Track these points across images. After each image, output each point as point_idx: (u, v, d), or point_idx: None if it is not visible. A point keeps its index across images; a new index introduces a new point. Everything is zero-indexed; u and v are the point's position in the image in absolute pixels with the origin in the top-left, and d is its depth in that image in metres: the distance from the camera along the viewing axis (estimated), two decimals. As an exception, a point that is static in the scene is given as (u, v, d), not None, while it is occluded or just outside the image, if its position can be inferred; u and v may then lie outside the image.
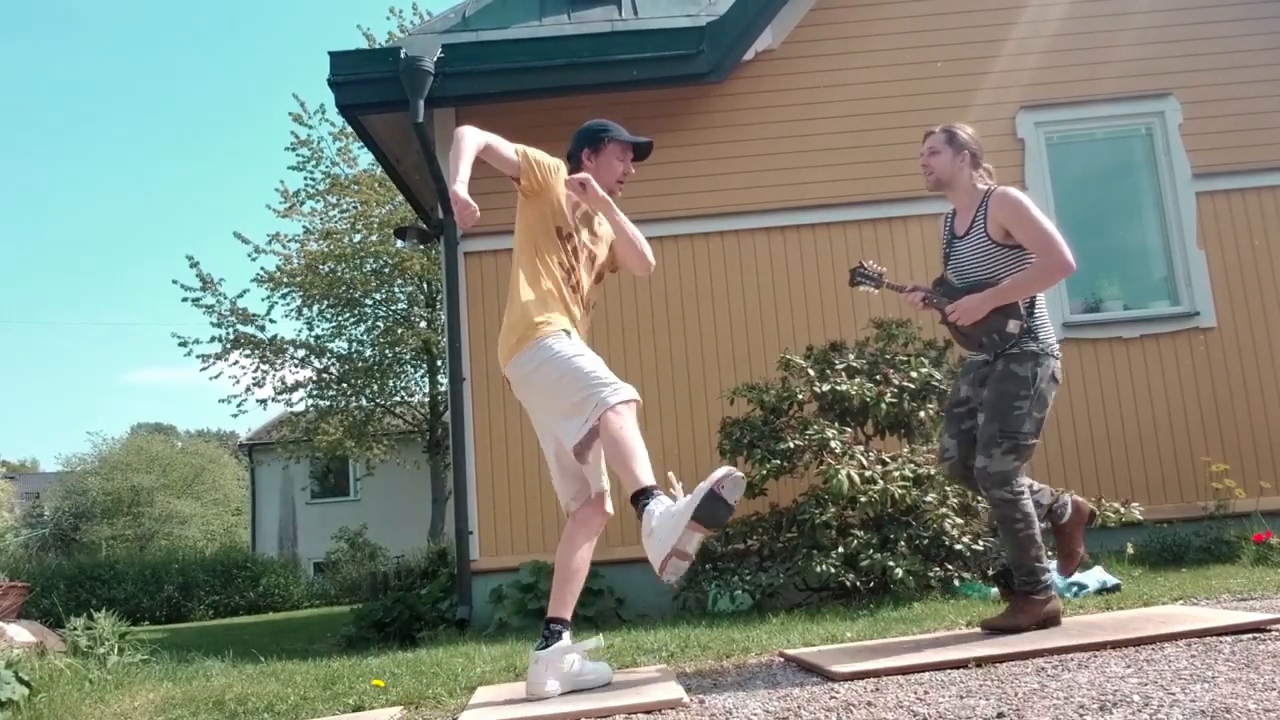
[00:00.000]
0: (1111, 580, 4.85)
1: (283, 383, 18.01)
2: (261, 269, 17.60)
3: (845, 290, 6.89)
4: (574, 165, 3.50)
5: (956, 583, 5.18)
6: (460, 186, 3.07)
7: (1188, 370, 6.83)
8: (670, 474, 3.10)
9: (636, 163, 3.55)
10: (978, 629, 3.76)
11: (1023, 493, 3.58)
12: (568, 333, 3.24)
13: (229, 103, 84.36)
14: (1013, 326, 3.60)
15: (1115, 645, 3.13)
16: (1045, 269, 3.57)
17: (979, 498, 3.87)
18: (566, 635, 3.17)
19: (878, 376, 5.77)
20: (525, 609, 5.91)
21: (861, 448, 5.54)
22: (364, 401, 18.36)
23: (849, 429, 5.72)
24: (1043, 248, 3.56)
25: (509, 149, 3.31)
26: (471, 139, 3.20)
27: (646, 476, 2.98)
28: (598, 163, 3.46)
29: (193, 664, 5.21)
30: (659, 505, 2.88)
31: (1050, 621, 3.58)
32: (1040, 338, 3.64)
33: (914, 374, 5.71)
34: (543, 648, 3.14)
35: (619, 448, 3.04)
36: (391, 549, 19.86)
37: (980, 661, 3.05)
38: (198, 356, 17.78)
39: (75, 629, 4.95)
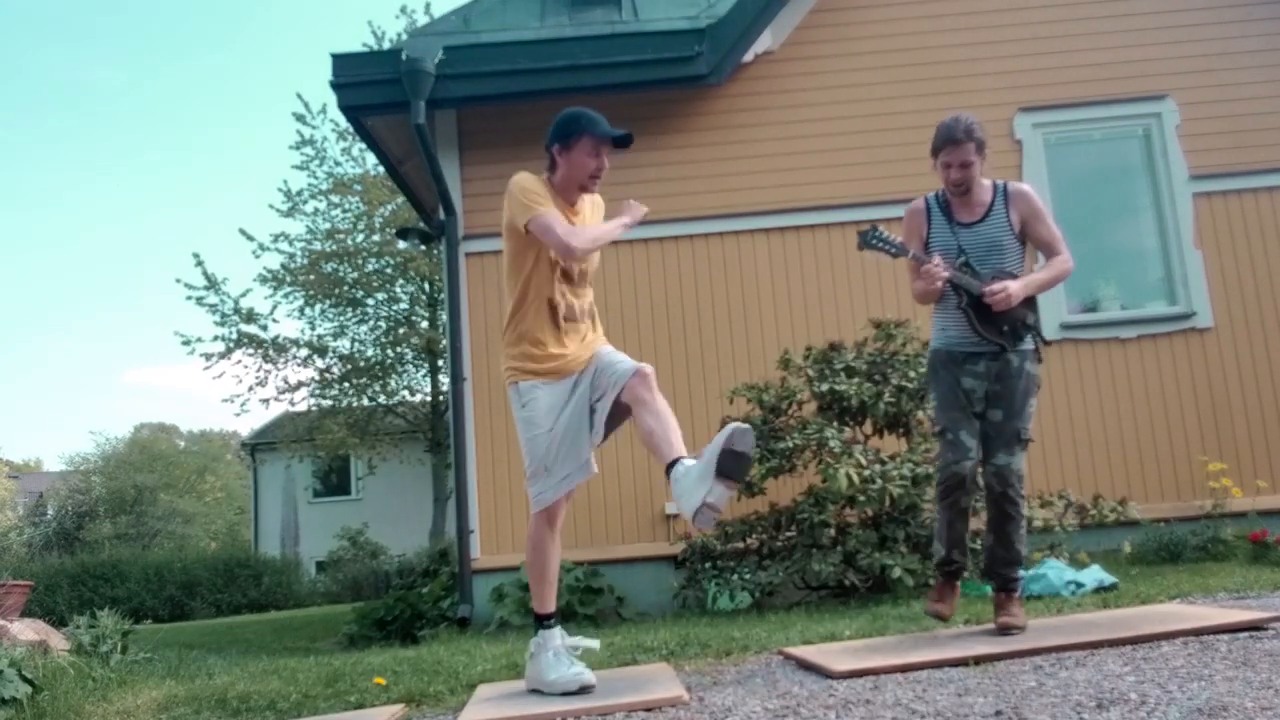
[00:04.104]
0: (1109, 579, 4.86)
1: (285, 382, 18.04)
2: (265, 268, 17.64)
3: (845, 291, 6.92)
4: (547, 159, 3.34)
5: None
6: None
7: (1184, 370, 6.85)
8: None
9: (619, 150, 3.34)
10: (976, 627, 3.79)
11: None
12: (535, 384, 3.27)
13: (230, 98, 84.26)
14: (1032, 319, 3.67)
15: (1112, 643, 3.15)
16: (1063, 267, 3.67)
17: (978, 499, 3.83)
18: (545, 630, 3.29)
19: (876, 376, 5.79)
20: (526, 607, 5.90)
21: (860, 447, 5.56)
22: (365, 401, 18.37)
23: (848, 428, 5.74)
24: (1061, 247, 3.66)
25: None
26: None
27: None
28: (569, 159, 3.28)
29: (195, 662, 5.24)
30: (681, 470, 2.94)
31: None
32: (1042, 335, 3.73)
33: (912, 374, 5.73)
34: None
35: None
36: (393, 548, 19.88)
37: (978, 659, 3.07)
38: (201, 355, 17.83)
39: (78, 627, 4.96)
